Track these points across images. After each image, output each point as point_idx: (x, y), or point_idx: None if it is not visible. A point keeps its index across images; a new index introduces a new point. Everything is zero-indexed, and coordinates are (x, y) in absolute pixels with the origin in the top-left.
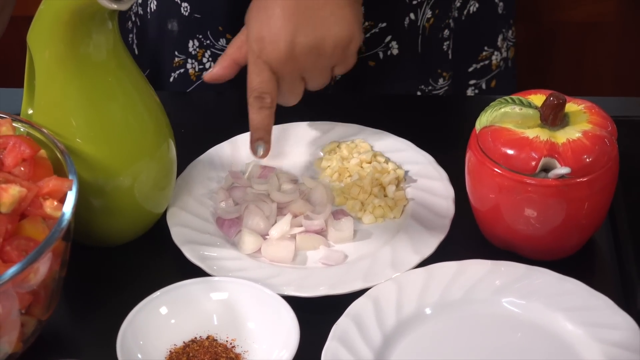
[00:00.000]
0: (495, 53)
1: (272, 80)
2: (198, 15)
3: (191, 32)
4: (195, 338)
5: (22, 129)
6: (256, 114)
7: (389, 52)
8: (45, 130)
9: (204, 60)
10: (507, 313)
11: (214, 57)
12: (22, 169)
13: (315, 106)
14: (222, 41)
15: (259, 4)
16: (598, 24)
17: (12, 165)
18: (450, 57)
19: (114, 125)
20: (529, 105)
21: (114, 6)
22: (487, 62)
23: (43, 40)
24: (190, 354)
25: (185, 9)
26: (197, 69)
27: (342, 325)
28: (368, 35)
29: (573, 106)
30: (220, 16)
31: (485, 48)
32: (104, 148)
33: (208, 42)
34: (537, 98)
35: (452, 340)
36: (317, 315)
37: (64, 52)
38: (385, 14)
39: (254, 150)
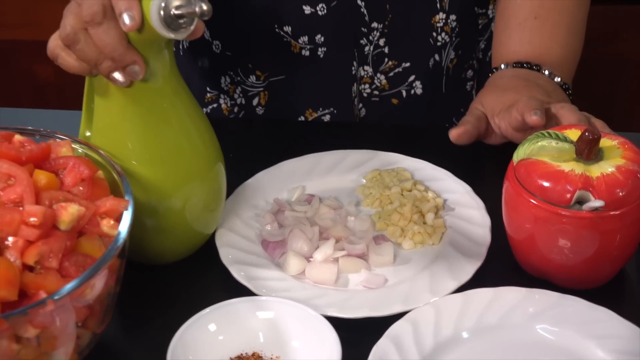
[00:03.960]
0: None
1: None
2: (229, 53)
3: (223, 68)
4: (242, 354)
5: (80, 150)
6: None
7: (412, 92)
8: (102, 152)
9: (235, 96)
10: (540, 339)
11: (245, 93)
12: (80, 188)
13: (357, 135)
14: (252, 78)
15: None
16: (629, 61)
17: (71, 184)
18: (474, 96)
19: (167, 148)
20: (565, 139)
21: (171, 35)
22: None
23: None
24: None
25: (217, 47)
26: (229, 104)
27: (382, 347)
28: (391, 74)
29: (607, 141)
30: (249, 54)
31: None
32: (158, 170)
33: (239, 78)
34: (573, 133)
35: None
36: (358, 336)
37: None
38: (410, 54)
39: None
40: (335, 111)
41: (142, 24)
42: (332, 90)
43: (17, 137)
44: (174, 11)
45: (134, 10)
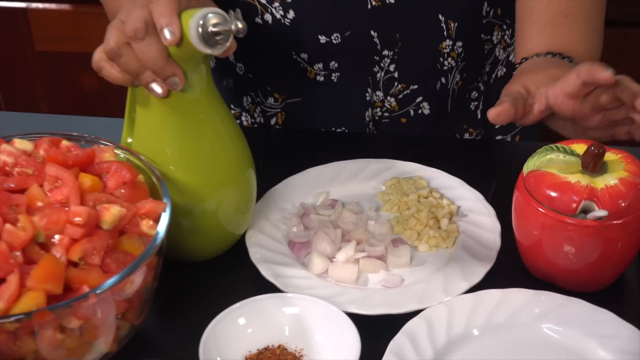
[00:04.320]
0: None
1: None
2: (250, 75)
3: (245, 89)
4: (268, 346)
5: (122, 156)
6: None
7: (419, 111)
8: (143, 158)
9: (255, 115)
10: (545, 338)
11: (264, 113)
12: (122, 191)
13: (376, 146)
14: (271, 99)
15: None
16: None
17: (113, 187)
18: (479, 116)
19: (203, 155)
20: (572, 153)
21: (208, 51)
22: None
23: None
24: (264, 359)
25: (240, 69)
26: (249, 122)
27: (398, 342)
28: (400, 96)
29: (611, 155)
30: (269, 77)
31: None
32: (194, 175)
33: (259, 99)
34: (579, 147)
35: (496, 359)
36: (376, 331)
37: None
38: (418, 78)
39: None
40: (347, 131)
41: (181, 39)
42: (346, 113)
43: (65, 143)
44: (211, 28)
45: (174, 26)
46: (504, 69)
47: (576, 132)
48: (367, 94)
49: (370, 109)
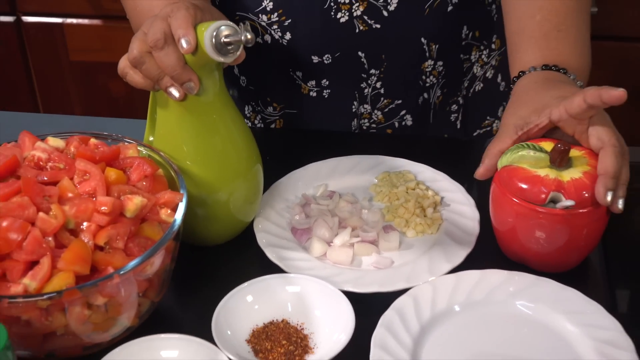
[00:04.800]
0: (496, 121)
1: None
2: (252, 88)
3: (247, 99)
4: (273, 320)
5: (144, 152)
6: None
7: (403, 123)
8: (162, 154)
9: (256, 122)
10: (519, 313)
11: (264, 120)
12: (144, 183)
13: (369, 144)
14: (270, 109)
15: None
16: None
17: (136, 180)
18: (458, 127)
19: (216, 152)
20: (541, 150)
21: (220, 59)
22: (489, 128)
23: None
24: (269, 333)
25: (243, 82)
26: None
27: (388, 317)
28: (386, 110)
29: (575, 152)
30: (268, 90)
31: (488, 117)
32: (208, 169)
33: (259, 108)
34: (547, 145)
35: (475, 332)
36: (368, 307)
37: None
38: (402, 93)
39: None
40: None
41: (196, 49)
42: (335, 125)
43: (93, 140)
44: (223, 39)
45: (190, 36)
46: (482, 84)
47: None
48: (354, 106)
49: (356, 119)
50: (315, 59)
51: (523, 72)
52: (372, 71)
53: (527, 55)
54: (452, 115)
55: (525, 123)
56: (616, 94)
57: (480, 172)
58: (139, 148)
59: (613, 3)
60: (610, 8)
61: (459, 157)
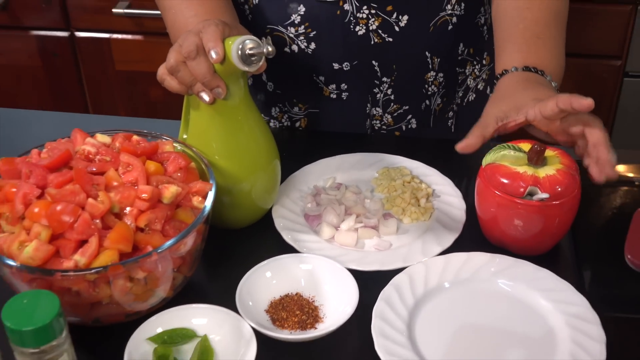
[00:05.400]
0: None
1: None
2: (279, 91)
3: (274, 102)
4: (288, 294)
5: (179, 148)
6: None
7: (409, 126)
8: (194, 149)
9: (283, 120)
10: (500, 290)
11: (290, 119)
12: (178, 174)
13: (372, 143)
14: (296, 109)
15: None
16: None
17: (172, 171)
18: (452, 130)
19: (240, 148)
20: (520, 150)
21: (245, 68)
22: None
23: None
24: (285, 304)
25: (270, 87)
26: (277, 126)
27: (387, 292)
28: (395, 114)
29: (550, 152)
30: (294, 92)
31: None
32: (233, 163)
33: (286, 109)
34: (525, 145)
35: (462, 305)
36: (370, 283)
37: None
38: (408, 100)
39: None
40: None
41: (224, 59)
42: (351, 123)
43: (135, 137)
44: (248, 51)
45: (219, 48)
46: (474, 95)
47: (545, 137)
48: (367, 108)
49: (369, 120)
50: (336, 66)
51: (507, 71)
52: (384, 79)
53: (510, 57)
54: (449, 121)
55: (505, 116)
56: (585, 103)
57: (460, 145)
58: (174, 144)
59: (579, 25)
60: (576, 29)
61: (449, 156)
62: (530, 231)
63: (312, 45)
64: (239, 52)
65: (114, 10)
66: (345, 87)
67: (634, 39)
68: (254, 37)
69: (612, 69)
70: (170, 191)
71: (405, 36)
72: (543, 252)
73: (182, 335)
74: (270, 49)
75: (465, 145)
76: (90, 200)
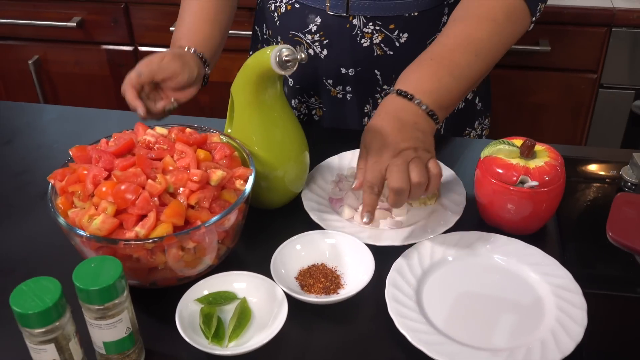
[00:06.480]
0: (472, 132)
1: (382, 177)
2: (298, 86)
3: (295, 94)
4: (315, 264)
5: (224, 139)
6: (367, 197)
7: None
8: (237, 141)
9: (302, 109)
10: (495, 263)
11: (308, 108)
12: (224, 161)
13: None
14: (312, 100)
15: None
16: (546, 105)
17: (218, 159)
18: (441, 132)
19: (275, 140)
20: (513, 145)
21: (282, 72)
22: (467, 136)
23: (240, 90)
24: (312, 272)
25: (291, 82)
26: (296, 115)
27: (399, 263)
28: None
29: (539, 147)
30: (311, 86)
31: (467, 129)
32: (270, 153)
33: (304, 100)
34: (518, 141)
35: (462, 276)
36: (384, 256)
37: (252, 98)
38: None
39: (362, 217)
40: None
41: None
42: (352, 120)
43: (188, 130)
44: (284, 58)
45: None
46: (463, 103)
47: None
48: (366, 109)
49: (366, 118)
50: (343, 70)
51: (392, 90)
52: (385, 87)
53: (401, 76)
54: (441, 127)
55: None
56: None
57: (355, 186)
58: (220, 136)
59: (561, 43)
60: (559, 47)
61: (451, 150)
62: (521, 214)
63: (325, 51)
64: (277, 59)
65: (170, 28)
66: (350, 89)
67: (608, 56)
68: (289, 46)
69: (589, 82)
70: (217, 175)
71: (405, 51)
72: (532, 232)
73: (224, 297)
74: (303, 55)
75: (358, 186)
76: (149, 181)
